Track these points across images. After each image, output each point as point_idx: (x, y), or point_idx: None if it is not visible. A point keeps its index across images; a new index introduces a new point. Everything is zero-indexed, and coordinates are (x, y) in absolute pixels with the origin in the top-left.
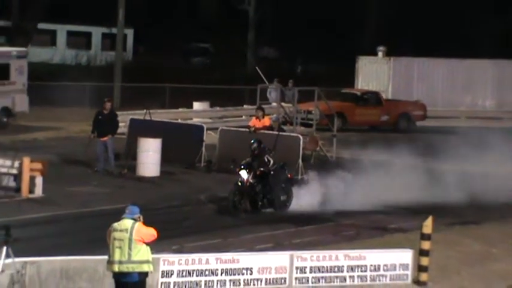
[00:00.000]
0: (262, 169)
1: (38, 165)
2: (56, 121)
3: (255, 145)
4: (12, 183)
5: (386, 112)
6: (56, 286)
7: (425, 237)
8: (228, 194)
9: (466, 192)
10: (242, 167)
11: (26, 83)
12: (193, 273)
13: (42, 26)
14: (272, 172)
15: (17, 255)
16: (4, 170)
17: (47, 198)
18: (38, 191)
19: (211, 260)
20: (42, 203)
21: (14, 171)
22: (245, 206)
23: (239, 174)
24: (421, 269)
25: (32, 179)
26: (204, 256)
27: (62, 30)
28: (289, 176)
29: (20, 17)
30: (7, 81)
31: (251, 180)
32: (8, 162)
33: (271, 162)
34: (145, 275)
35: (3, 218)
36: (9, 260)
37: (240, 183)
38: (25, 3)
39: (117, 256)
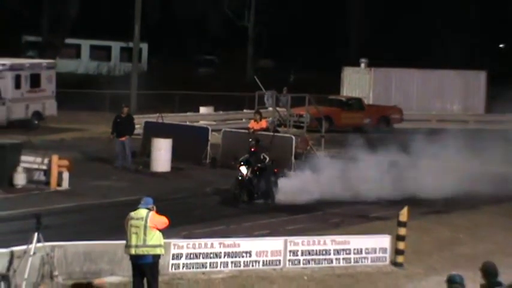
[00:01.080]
0: (259, 165)
1: (65, 162)
2: (80, 124)
3: (253, 143)
4: (42, 178)
5: (368, 116)
6: (80, 267)
7: (401, 224)
8: (230, 187)
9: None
10: (242, 163)
11: (54, 91)
12: (199, 256)
13: (68, 41)
14: (266, 168)
15: (46, 240)
16: (35, 166)
17: (73, 191)
18: (65, 184)
19: (215, 245)
20: (69, 195)
21: (44, 167)
22: (243, 198)
23: (239, 170)
24: (397, 252)
25: (60, 174)
26: (209, 241)
27: (85, 45)
28: (275, 170)
29: (49, 33)
30: (38, 88)
31: (249, 175)
32: (39, 159)
33: (267, 159)
34: (158, 257)
35: (35, 208)
36: (40, 244)
37: (240, 178)
38: (54, 21)
39: (133, 241)
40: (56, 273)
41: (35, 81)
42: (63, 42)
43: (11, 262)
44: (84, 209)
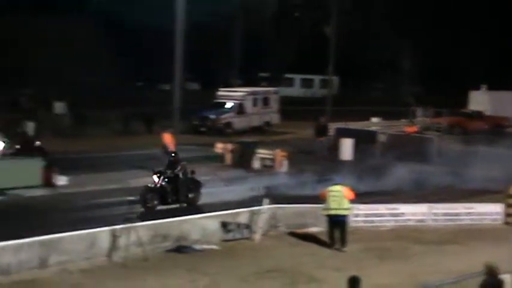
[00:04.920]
0: (169, 175)
1: (285, 153)
2: (293, 129)
3: (172, 155)
4: (270, 164)
5: None
6: (294, 221)
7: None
8: (140, 192)
9: None
10: (156, 173)
11: (278, 108)
12: (371, 215)
13: (286, 75)
14: (182, 177)
15: (272, 203)
16: (266, 155)
17: (289, 172)
18: (285, 168)
19: (381, 208)
20: (287, 174)
21: (271, 156)
22: (153, 203)
23: (153, 178)
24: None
25: (281, 161)
26: (378, 206)
27: (297, 78)
28: (198, 180)
29: (275, 71)
30: (268, 106)
31: (161, 183)
32: (269, 151)
33: (180, 168)
34: (347, 216)
35: (266, 182)
36: (268, 206)
37: (151, 185)
38: (277, 63)
39: (334, 205)
40: (279, 224)
41: (265, 101)
42: (283, 77)
43: (251, 217)
44: (299, 183)
